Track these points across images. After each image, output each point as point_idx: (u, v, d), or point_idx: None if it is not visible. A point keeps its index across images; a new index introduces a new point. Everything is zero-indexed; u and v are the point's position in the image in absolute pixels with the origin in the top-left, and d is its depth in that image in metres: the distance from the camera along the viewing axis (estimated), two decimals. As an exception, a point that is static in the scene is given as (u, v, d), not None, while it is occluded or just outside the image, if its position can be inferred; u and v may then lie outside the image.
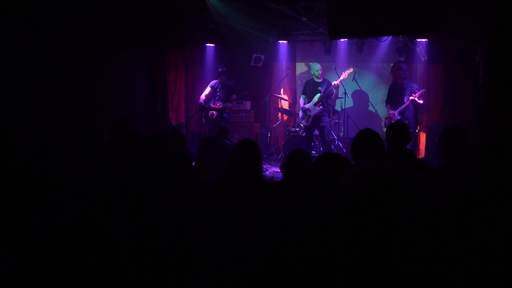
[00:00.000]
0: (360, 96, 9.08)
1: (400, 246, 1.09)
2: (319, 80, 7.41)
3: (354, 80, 8.13)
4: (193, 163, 6.04)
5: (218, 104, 7.95)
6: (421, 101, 6.86)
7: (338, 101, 8.30)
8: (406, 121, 7.09)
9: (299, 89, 9.79)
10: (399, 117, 6.95)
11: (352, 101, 8.91)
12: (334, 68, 7.90)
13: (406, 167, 1.19)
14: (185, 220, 2.20)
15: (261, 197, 3.02)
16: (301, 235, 2.34)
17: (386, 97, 8.92)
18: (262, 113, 9.33)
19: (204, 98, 7.95)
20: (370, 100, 8.93)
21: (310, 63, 7.79)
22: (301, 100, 7.64)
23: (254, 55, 9.10)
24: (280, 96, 8.88)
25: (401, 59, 8.74)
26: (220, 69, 7.99)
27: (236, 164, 3.10)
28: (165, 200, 2.23)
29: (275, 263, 2.27)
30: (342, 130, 8.38)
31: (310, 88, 7.50)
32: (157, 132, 3.66)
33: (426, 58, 7.97)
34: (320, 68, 7.41)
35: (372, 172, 1.13)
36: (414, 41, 8.02)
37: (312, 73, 7.49)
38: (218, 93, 7.95)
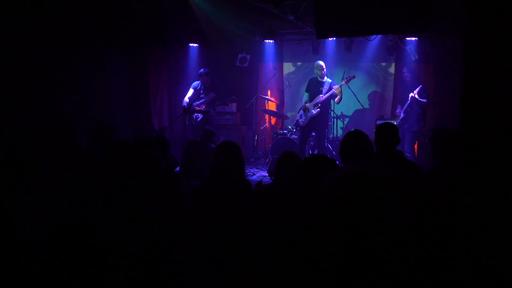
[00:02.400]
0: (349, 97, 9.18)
1: (384, 246, 1.14)
2: (323, 80, 7.39)
3: (345, 84, 8.22)
4: (177, 168, 6.06)
5: (203, 106, 7.97)
6: (423, 100, 7.00)
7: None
8: (410, 121, 7.24)
9: (287, 90, 9.85)
10: (403, 115, 7.15)
11: (367, 102, 9.02)
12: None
13: (391, 168, 1.25)
14: (169, 227, 2.22)
15: (246, 200, 3.07)
16: (290, 238, 2.42)
17: (375, 97, 8.99)
18: (248, 115, 9.36)
19: (188, 100, 7.97)
20: (360, 100, 9.05)
21: (299, 61, 7.83)
22: (304, 98, 7.60)
23: (240, 55, 9.13)
24: (267, 97, 8.93)
25: (391, 58, 8.89)
26: (201, 70, 8.02)
27: (217, 168, 3.15)
28: (149, 206, 2.25)
29: (263, 267, 2.30)
30: (338, 132, 8.45)
31: (312, 87, 7.43)
32: (139, 136, 3.68)
33: (416, 57, 8.07)
34: (322, 67, 7.25)
35: (354, 173, 1.19)
36: (404, 40, 8.12)
37: (315, 72, 7.40)
38: (202, 95, 7.98)
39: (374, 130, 3.60)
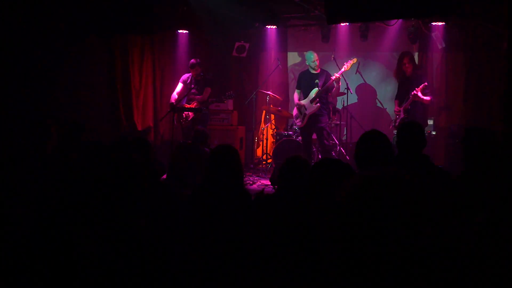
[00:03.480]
0: (366, 91, 9.13)
1: (406, 261, 1.16)
2: (316, 72, 7.44)
3: (358, 73, 8.18)
4: (164, 176, 6.03)
5: (194, 103, 7.94)
6: (426, 97, 6.95)
7: (339, 99, 8.35)
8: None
9: (292, 84, 9.82)
10: (403, 115, 7.10)
11: (356, 97, 8.97)
12: (334, 59, 7.94)
13: (415, 174, 1.27)
14: (154, 242, 2.19)
15: (245, 213, 3.07)
16: (297, 257, 2.42)
17: (395, 93, 9.02)
18: (247, 114, 9.34)
19: (176, 96, 7.94)
20: (377, 95, 9.01)
21: (304, 52, 7.85)
22: (295, 96, 7.68)
23: (237, 44, 9.10)
24: (269, 93, 8.90)
25: (414, 47, 8.85)
26: (193, 60, 7.97)
27: (212, 176, 3.15)
28: (129, 219, 2.21)
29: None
30: (345, 133, 8.43)
31: (305, 81, 7.51)
32: (118, 139, 3.63)
33: (444, 45, 8.05)
34: (316, 58, 7.44)
35: (373, 179, 1.20)
36: (429, 25, 8.10)
37: (308, 64, 7.52)
38: (192, 90, 7.94)
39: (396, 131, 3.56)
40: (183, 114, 7.96)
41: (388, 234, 1.16)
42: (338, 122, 8.19)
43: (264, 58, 9.79)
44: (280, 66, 9.24)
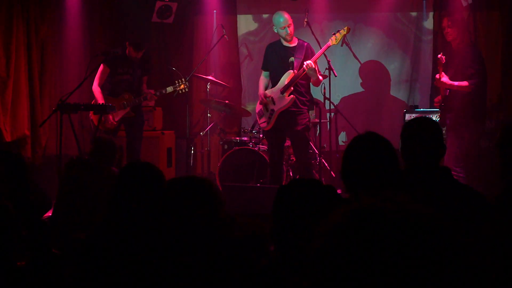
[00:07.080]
0: (359, 72, 9.22)
1: None
2: (291, 44, 7.40)
3: (344, 44, 8.24)
4: (50, 212, 5.93)
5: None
6: (463, 83, 7.05)
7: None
8: (453, 113, 7.22)
9: (246, 63, 9.80)
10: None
11: (344, 82, 9.04)
12: (307, 23, 7.97)
13: (434, 201, 1.27)
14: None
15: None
16: None
17: (402, 73, 9.08)
18: (177, 111, 9.39)
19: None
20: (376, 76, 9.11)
21: (264, 13, 7.79)
22: (261, 81, 7.63)
23: (159, 3, 9.15)
24: (210, 78, 8.89)
25: (427, 4, 8.99)
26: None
27: (118, 214, 3.13)
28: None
29: None
30: (330, 137, 8.47)
31: (275, 59, 7.47)
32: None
33: (471, 2, 8.18)
34: (288, 21, 7.27)
35: (368, 215, 1.21)
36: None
37: (276, 31, 7.41)
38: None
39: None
40: (109, 117, 7.80)
41: None
42: (318, 121, 8.22)
43: (201, 25, 9.89)
44: (226, 36, 9.30)
